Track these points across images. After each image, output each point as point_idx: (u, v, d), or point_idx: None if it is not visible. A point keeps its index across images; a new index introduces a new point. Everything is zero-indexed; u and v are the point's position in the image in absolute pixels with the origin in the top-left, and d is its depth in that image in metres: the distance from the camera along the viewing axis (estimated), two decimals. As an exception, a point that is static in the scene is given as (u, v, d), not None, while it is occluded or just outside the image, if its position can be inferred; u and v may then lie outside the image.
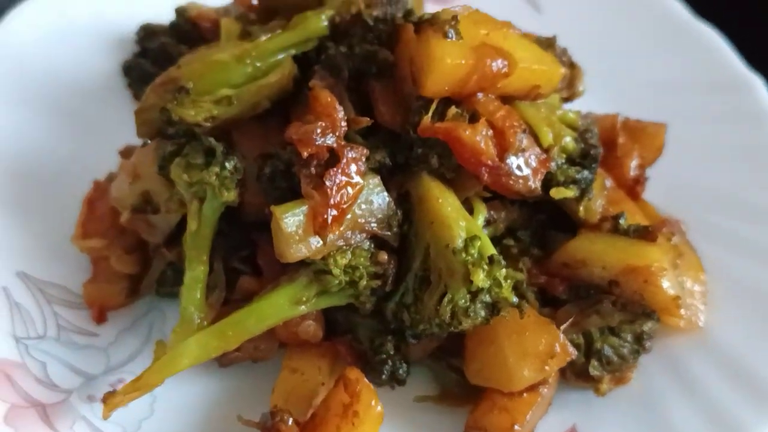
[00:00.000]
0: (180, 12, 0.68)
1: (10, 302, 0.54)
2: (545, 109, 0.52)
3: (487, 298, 0.45)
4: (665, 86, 0.65)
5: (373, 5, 0.54)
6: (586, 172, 0.51)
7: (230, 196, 0.48)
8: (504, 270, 0.46)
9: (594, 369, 0.49)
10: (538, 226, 0.54)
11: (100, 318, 0.55)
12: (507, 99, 0.51)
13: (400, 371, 0.49)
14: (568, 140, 0.51)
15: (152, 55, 0.67)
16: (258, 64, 0.52)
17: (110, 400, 0.46)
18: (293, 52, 0.53)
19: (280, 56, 0.53)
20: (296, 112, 0.51)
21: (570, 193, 0.50)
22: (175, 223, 0.54)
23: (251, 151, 0.51)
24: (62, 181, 0.61)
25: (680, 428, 0.48)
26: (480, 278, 0.44)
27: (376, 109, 0.51)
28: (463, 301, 0.45)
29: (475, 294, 0.45)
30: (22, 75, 0.65)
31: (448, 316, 0.45)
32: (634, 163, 0.56)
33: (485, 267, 0.45)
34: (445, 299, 0.45)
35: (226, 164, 0.48)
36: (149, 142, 0.57)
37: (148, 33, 0.68)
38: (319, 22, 0.53)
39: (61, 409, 0.49)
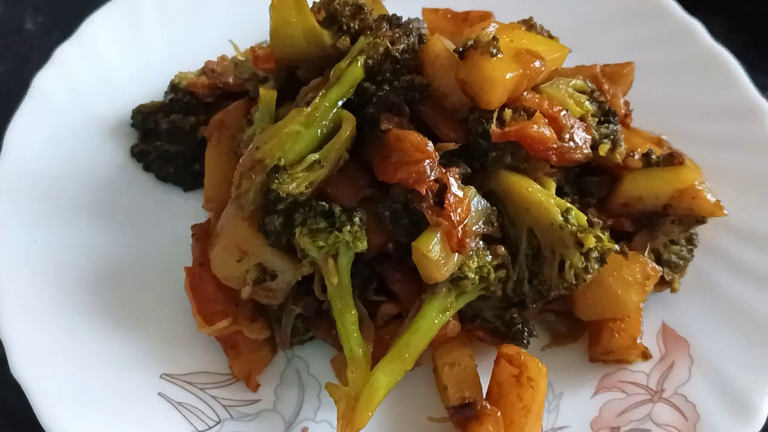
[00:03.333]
0: (174, 86, 0.71)
1: (173, 404, 0.58)
2: (561, 85, 0.62)
3: (596, 254, 0.56)
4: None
5: (397, 41, 0.61)
6: (612, 126, 0.62)
7: (363, 245, 0.55)
8: (600, 225, 0.57)
9: (667, 275, 0.62)
10: (575, 179, 0.65)
11: (255, 385, 0.60)
12: (534, 88, 0.61)
13: (534, 332, 0.60)
14: (587, 104, 0.62)
15: (166, 134, 0.69)
16: (324, 123, 0.58)
17: (337, 448, 0.53)
18: (342, 101, 0.60)
19: (335, 109, 0.59)
20: (376, 155, 0.58)
21: (608, 146, 0.61)
22: (295, 282, 0.60)
23: (347, 201, 0.58)
24: (139, 277, 0.64)
25: (734, 294, 0.62)
26: (591, 241, 0.55)
27: (438, 129, 0.59)
28: (580, 262, 0.56)
29: (587, 254, 0.56)
30: (45, 189, 0.66)
31: (573, 278, 0.56)
32: (622, 101, 0.68)
33: (589, 230, 0.56)
34: (566, 265, 0.56)
35: (355, 219, 0.55)
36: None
37: (144, 115, 0.71)
38: (358, 69, 0.59)
39: (282, 470, 0.56)
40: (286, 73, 0.65)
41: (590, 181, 0.65)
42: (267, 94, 0.62)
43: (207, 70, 0.72)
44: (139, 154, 0.70)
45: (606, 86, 0.67)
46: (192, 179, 0.70)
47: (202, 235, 0.64)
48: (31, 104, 0.69)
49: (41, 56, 0.80)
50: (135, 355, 0.60)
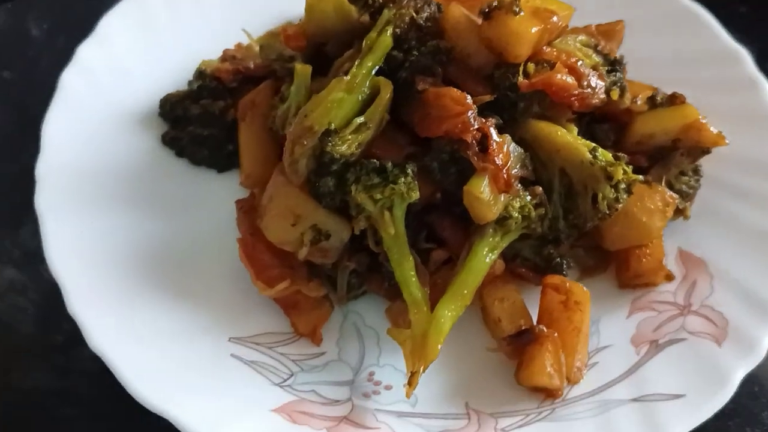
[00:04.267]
0: (201, 73, 0.74)
1: (246, 363, 0.61)
2: (570, 40, 0.68)
3: (623, 185, 0.62)
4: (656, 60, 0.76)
5: (420, 10, 0.66)
6: (618, 74, 0.68)
7: (416, 194, 0.60)
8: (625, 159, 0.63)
9: (680, 203, 0.68)
10: (587, 127, 0.71)
11: (319, 339, 0.64)
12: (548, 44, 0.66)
13: (571, 263, 0.66)
14: (594, 56, 0.68)
15: (197, 119, 0.73)
16: (363, 89, 0.62)
17: (413, 381, 0.57)
18: (376, 68, 0.64)
19: (370, 76, 0.64)
20: (416, 114, 0.63)
21: (617, 92, 0.67)
22: (348, 240, 0.64)
23: (392, 159, 0.62)
24: (192, 254, 0.67)
25: (738, 214, 0.69)
26: (619, 172, 0.61)
27: (466, 86, 0.64)
28: (611, 193, 0.62)
29: (616, 185, 0.62)
30: (86, 182, 0.68)
31: (606, 208, 0.62)
32: (619, 55, 0.74)
33: (616, 163, 0.62)
34: (599, 198, 0.61)
35: (407, 171, 0.59)
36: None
37: (172, 103, 0.74)
38: (388, 38, 0.64)
39: (359, 412, 0.60)
40: (313, 50, 0.69)
41: (599, 128, 0.71)
42: (303, 69, 0.66)
43: (228, 57, 0.75)
44: (170, 141, 0.73)
45: (602, 42, 0.74)
46: (226, 160, 0.73)
47: (249, 208, 0.67)
48: (60, 102, 0.71)
49: (50, 60, 0.83)
50: (203, 324, 0.63)
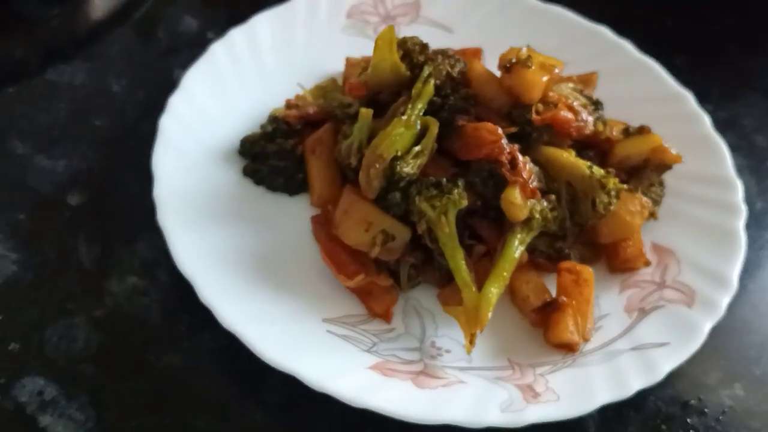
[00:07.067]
0: (275, 118, 0.93)
1: (339, 336, 0.79)
2: (563, 86, 0.90)
3: (613, 192, 0.83)
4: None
5: (454, 66, 0.86)
6: (601, 111, 0.90)
7: (466, 202, 0.79)
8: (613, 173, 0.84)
9: (651, 208, 0.90)
10: (578, 153, 0.92)
11: (390, 317, 0.82)
12: (547, 88, 0.88)
13: (577, 254, 0.86)
14: (581, 98, 0.90)
15: (274, 154, 0.91)
16: (417, 125, 0.82)
17: (473, 340, 0.76)
18: (423, 110, 0.84)
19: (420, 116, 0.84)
20: (457, 143, 0.83)
21: (601, 125, 0.89)
22: (408, 240, 0.83)
23: (441, 176, 0.82)
24: (284, 257, 0.85)
25: (693, 213, 0.90)
26: (611, 182, 0.82)
27: (491, 122, 0.84)
28: (606, 198, 0.82)
29: (609, 192, 0.83)
30: (190, 202, 0.86)
31: (603, 210, 0.83)
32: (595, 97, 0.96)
33: (608, 176, 0.83)
34: (597, 201, 0.82)
35: (459, 184, 0.79)
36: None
37: (251, 143, 0.92)
38: (431, 87, 0.84)
39: (431, 368, 0.78)
40: (369, 98, 0.89)
41: (587, 154, 0.92)
42: (367, 112, 0.85)
43: (292, 105, 0.94)
44: (251, 172, 0.91)
45: (583, 88, 0.96)
46: (297, 186, 0.91)
47: (325, 221, 0.86)
48: (162, 142, 0.88)
49: (133, 111, 1.00)
50: (303, 308, 0.81)
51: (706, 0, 1.23)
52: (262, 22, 1.01)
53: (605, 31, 1.05)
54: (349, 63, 0.99)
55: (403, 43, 0.86)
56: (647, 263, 0.88)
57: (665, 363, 0.77)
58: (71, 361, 0.79)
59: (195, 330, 0.81)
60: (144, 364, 0.79)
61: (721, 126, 0.99)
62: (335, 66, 1.01)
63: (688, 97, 0.99)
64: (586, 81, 0.97)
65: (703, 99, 1.00)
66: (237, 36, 0.99)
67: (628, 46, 1.04)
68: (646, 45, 1.04)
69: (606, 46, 1.04)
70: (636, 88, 1.01)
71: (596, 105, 0.90)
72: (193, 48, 1.00)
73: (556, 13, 1.07)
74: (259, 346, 0.74)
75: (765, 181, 1.03)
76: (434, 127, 0.82)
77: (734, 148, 0.98)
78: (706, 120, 0.97)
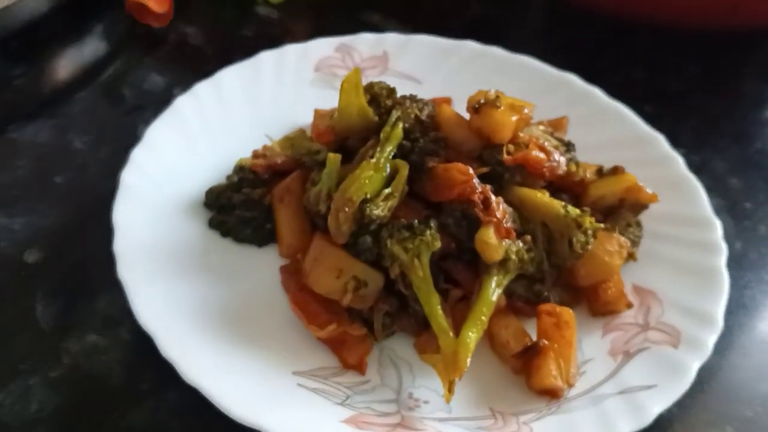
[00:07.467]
0: (242, 167, 0.90)
1: (311, 390, 0.75)
2: (534, 128, 0.89)
3: (590, 231, 0.81)
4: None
5: (422, 110, 0.85)
6: (573, 153, 0.89)
7: (438, 243, 0.77)
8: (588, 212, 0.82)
9: (629, 249, 0.87)
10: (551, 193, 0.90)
11: (364, 368, 0.78)
12: (520, 130, 0.87)
13: (557, 297, 0.83)
14: (552, 140, 0.89)
15: (240, 205, 0.88)
16: (387, 168, 0.80)
17: (451, 388, 0.72)
18: (392, 153, 0.82)
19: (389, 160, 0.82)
20: (428, 185, 0.81)
21: (574, 166, 0.88)
22: (382, 286, 0.80)
23: (413, 219, 0.80)
24: (251, 310, 0.81)
25: (672, 254, 0.88)
26: (587, 221, 0.80)
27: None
28: (583, 237, 0.80)
29: (585, 231, 0.81)
30: (153, 256, 0.82)
31: (580, 249, 0.80)
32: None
33: (584, 215, 0.81)
34: (574, 241, 0.80)
35: (431, 225, 0.77)
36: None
37: (216, 194, 0.89)
38: (399, 131, 0.83)
39: (408, 420, 0.74)
40: (338, 144, 0.87)
41: (560, 196, 0.90)
42: (335, 157, 0.83)
43: (259, 155, 0.92)
44: (217, 224, 0.88)
45: (554, 131, 0.95)
46: (265, 237, 0.88)
47: (294, 271, 0.83)
48: (123, 195, 0.85)
49: (96, 167, 0.98)
50: (271, 362, 0.76)
51: (671, 50, 1.24)
52: (228, 75, 1.00)
53: (574, 79, 1.05)
54: (318, 114, 0.97)
55: (370, 88, 0.85)
56: (629, 305, 0.85)
57: (654, 405, 0.74)
58: (25, 424, 0.74)
59: (159, 388, 0.77)
60: (104, 425, 0.75)
61: (694, 169, 0.98)
62: (304, 119, 0.99)
63: (660, 140, 0.98)
64: (556, 125, 0.96)
65: (674, 144, 1.00)
66: (202, 89, 0.98)
67: (597, 92, 1.04)
68: (614, 95, 1.04)
69: (575, 93, 1.04)
70: (607, 132, 1.01)
71: (568, 146, 0.89)
72: (160, 105, 0.98)
73: (524, 62, 1.07)
74: (224, 401, 0.70)
75: (743, 222, 1.02)
76: (404, 170, 0.80)
77: (709, 190, 0.96)
78: (680, 161, 0.96)
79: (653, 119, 1.04)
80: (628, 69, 1.21)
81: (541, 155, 0.83)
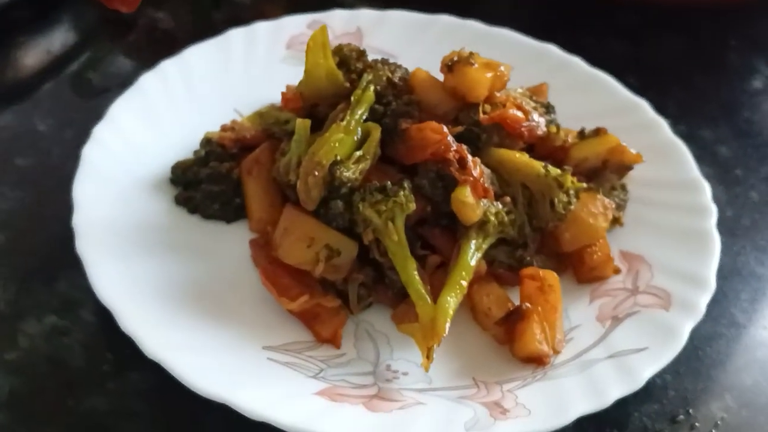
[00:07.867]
0: (208, 141, 0.86)
1: (282, 364, 0.71)
2: (511, 91, 0.85)
3: (572, 191, 0.77)
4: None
5: (395, 72, 0.82)
6: (553, 115, 0.85)
7: (413, 206, 0.73)
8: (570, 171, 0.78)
9: (615, 213, 0.83)
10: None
11: (339, 341, 0.74)
12: (496, 92, 0.83)
13: (541, 265, 0.79)
14: (531, 102, 0.85)
15: (208, 179, 0.84)
16: (359, 130, 0.77)
17: (430, 355, 0.68)
18: (364, 116, 0.79)
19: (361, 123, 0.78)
20: (401, 148, 0.77)
21: (554, 128, 0.84)
22: (356, 256, 0.76)
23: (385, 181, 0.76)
24: (221, 287, 0.77)
25: (658, 218, 0.85)
26: (568, 180, 0.76)
27: (438, 127, 0.79)
28: (564, 197, 0.77)
29: (567, 191, 0.77)
30: (115, 232, 0.78)
31: (562, 209, 0.76)
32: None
33: (564, 174, 0.77)
34: (556, 202, 0.76)
35: (404, 186, 0.73)
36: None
37: (183, 169, 0.85)
38: (371, 94, 0.79)
39: (386, 391, 0.70)
40: (308, 110, 0.83)
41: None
42: (303, 122, 0.79)
43: (228, 128, 0.88)
44: (184, 200, 0.84)
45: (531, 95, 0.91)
46: (234, 213, 0.84)
47: (264, 244, 0.79)
48: (84, 171, 0.81)
49: (60, 150, 0.94)
50: (240, 337, 0.72)
51: (654, 24, 1.21)
52: (195, 52, 0.96)
53: (554, 49, 1.02)
54: (290, 89, 0.93)
55: (338, 50, 0.82)
56: (617, 270, 0.81)
57: (645, 368, 0.70)
58: (-22, 410, 0.69)
59: (121, 370, 0.73)
60: (63, 409, 0.70)
61: (681, 138, 0.94)
62: (275, 96, 0.95)
63: (645, 106, 0.95)
64: (535, 91, 0.92)
65: (659, 113, 0.96)
66: (169, 66, 0.94)
67: (578, 61, 1.00)
68: (597, 67, 1.01)
69: (556, 63, 1.00)
70: (590, 101, 0.97)
71: (548, 108, 0.85)
72: (126, 87, 0.95)
73: (503, 34, 1.03)
74: (190, 377, 0.66)
75: (734, 189, 0.98)
76: (376, 132, 0.77)
77: (698, 159, 0.92)
78: (665, 125, 0.93)
79: (637, 90, 1.00)
80: (612, 43, 1.18)
81: (519, 114, 0.79)
